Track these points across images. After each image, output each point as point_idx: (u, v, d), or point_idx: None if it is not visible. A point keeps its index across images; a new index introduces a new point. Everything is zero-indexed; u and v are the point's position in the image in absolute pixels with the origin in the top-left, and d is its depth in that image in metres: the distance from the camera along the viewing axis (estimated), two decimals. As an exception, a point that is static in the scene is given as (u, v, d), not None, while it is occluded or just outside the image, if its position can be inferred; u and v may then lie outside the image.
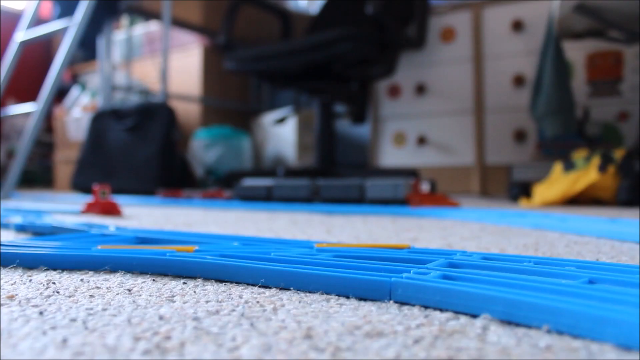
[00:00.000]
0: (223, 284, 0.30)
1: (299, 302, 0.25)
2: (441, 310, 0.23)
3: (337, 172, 1.41)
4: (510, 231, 0.58)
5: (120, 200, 1.23)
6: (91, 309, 0.24)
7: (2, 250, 0.35)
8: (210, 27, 2.11)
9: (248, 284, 0.29)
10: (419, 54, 1.79)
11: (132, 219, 0.77)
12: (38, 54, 2.80)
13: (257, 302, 0.25)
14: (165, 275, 0.32)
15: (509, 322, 0.21)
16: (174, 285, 0.29)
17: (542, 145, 1.57)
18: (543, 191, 1.12)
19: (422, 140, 1.79)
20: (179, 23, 2.04)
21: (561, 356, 0.17)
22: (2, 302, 0.25)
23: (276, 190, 1.07)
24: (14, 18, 2.47)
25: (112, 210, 0.84)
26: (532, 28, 1.61)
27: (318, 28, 1.62)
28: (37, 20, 1.73)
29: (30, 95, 1.96)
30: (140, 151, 1.70)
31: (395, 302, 0.25)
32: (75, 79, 2.66)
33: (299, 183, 1.05)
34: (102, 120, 1.82)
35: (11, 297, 0.26)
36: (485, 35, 1.69)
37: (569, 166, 1.14)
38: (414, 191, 0.94)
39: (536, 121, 1.30)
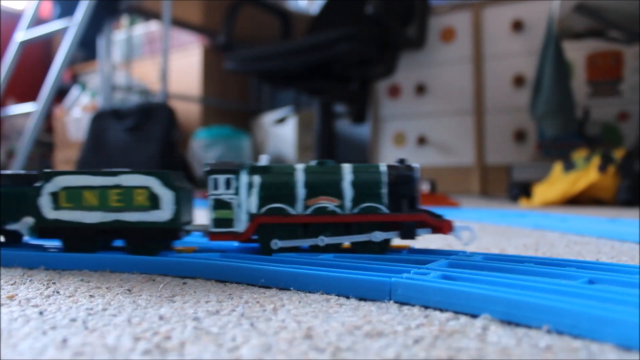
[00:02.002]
0: (223, 284, 0.30)
1: (299, 302, 0.25)
2: (441, 310, 0.23)
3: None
4: (510, 231, 0.58)
5: (120, 200, 1.23)
6: (91, 309, 0.24)
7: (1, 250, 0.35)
8: (210, 27, 2.10)
9: (248, 284, 0.29)
10: (419, 54, 1.79)
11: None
12: (38, 54, 2.79)
13: (257, 302, 0.25)
14: (165, 275, 0.32)
15: (509, 322, 0.21)
16: (174, 285, 0.29)
17: (542, 145, 1.57)
18: (543, 191, 1.12)
19: (422, 140, 1.79)
20: (179, 23, 2.04)
21: (561, 356, 0.17)
22: (2, 302, 0.25)
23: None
24: (14, 18, 2.47)
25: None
26: (532, 28, 1.61)
27: (318, 28, 1.62)
28: (37, 20, 1.72)
29: (30, 95, 1.96)
30: (140, 151, 1.70)
31: (395, 302, 0.25)
32: (75, 79, 2.66)
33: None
34: (102, 120, 1.82)
35: (11, 297, 0.26)
36: (485, 35, 1.69)
37: (569, 166, 1.14)
38: (414, 191, 0.93)
39: (536, 121, 1.30)
